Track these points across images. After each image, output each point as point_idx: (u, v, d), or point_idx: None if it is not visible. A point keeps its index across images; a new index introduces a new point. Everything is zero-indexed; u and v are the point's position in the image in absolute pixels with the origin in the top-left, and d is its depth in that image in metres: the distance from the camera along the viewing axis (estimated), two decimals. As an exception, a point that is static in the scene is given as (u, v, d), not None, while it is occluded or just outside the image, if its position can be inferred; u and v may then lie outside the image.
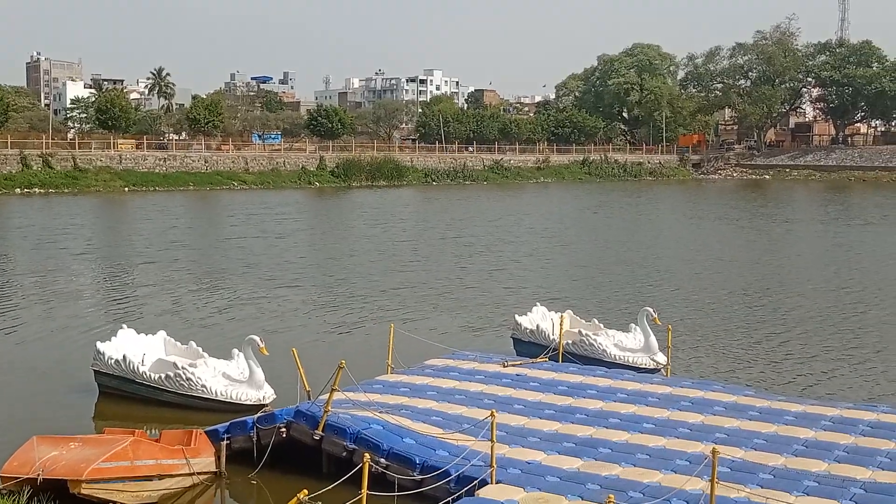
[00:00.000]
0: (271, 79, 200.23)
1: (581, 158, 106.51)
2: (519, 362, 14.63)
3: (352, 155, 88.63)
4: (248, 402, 13.43)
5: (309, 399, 11.47)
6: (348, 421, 10.74)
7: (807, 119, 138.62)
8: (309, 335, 19.41)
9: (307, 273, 28.99)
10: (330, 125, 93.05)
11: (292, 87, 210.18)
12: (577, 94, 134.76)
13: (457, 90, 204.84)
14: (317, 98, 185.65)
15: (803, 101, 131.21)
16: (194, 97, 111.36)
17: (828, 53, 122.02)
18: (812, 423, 11.22)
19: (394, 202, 63.36)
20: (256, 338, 13.53)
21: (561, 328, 15.77)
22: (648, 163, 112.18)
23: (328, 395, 10.84)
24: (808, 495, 8.99)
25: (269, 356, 13.55)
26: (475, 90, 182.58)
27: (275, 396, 13.57)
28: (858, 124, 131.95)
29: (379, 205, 60.12)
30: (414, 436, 10.47)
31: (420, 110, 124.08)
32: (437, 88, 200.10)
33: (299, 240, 39.06)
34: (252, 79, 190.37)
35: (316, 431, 10.75)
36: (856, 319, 21.79)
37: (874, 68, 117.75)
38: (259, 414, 11.59)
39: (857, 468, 9.73)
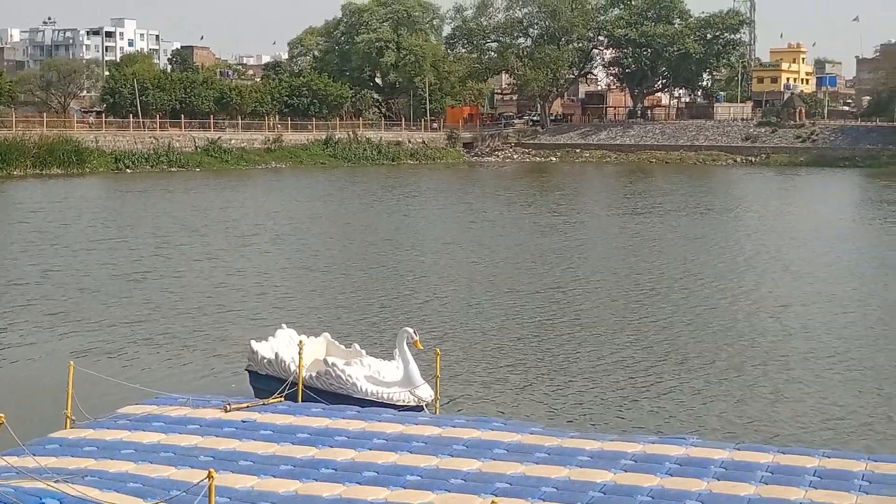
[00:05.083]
0: None
1: (324, 137, 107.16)
2: (246, 405, 14.48)
3: (11, 133, 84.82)
4: None
5: (-47, 470, 10.88)
6: (11, 496, 10.27)
7: (599, 88, 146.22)
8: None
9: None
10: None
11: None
12: (316, 53, 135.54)
13: (157, 47, 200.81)
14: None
15: (595, 65, 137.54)
16: None
17: (622, 7, 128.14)
18: (610, 463, 11.79)
19: (70, 196, 61.10)
20: None
21: (300, 356, 15.67)
22: (409, 142, 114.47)
23: (-19, 462, 10.34)
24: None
25: None
26: (182, 47, 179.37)
27: None
28: (659, 94, 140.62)
29: (50, 200, 57.77)
30: (104, 511, 10.12)
31: (107, 73, 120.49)
32: (130, 44, 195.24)
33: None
34: None
35: (-36, 514, 10.22)
36: (656, 329, 23.23)
37: (676, 25, 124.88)
38: None
39: (663, 515, 10.28)
